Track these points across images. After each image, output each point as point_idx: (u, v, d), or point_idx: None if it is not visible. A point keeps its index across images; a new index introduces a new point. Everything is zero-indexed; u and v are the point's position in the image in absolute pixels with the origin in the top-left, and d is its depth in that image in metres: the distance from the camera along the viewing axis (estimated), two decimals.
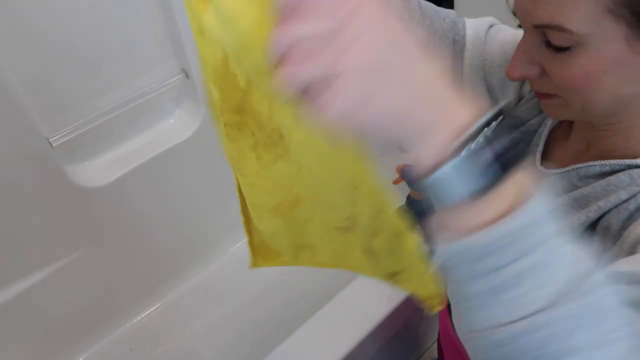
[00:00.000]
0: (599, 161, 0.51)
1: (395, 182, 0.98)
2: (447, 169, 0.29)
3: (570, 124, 0.58)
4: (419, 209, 0.95)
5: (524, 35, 0.48)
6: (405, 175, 0.94)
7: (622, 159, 0.50)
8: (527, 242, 0.30)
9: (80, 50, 1.09)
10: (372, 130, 0.28)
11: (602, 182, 0.50)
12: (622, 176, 0.48)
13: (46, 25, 1.02)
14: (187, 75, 1.28)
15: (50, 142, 1.10)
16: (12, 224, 1.14)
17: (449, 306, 0.41)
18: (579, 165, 0.53)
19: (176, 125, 1.36)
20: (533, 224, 0.30)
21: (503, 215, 0.30)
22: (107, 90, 1.18)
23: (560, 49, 0.44)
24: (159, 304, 1.56)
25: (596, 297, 0.30)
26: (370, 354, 1.05)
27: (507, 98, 0.65)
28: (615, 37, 0.41)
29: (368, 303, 0.99)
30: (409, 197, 0.96)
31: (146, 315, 1.54)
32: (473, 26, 0.64)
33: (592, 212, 0.48)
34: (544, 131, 0.59)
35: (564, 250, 0.31)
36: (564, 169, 0.55)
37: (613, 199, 0.47)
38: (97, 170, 1.25)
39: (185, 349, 1.46)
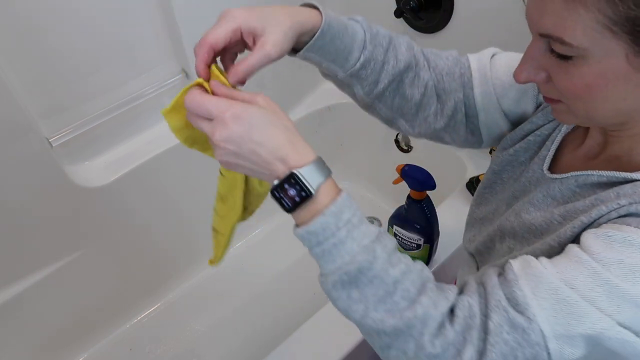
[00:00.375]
0: (597, 171, 0.52)
1: (395, 182, 0.98)
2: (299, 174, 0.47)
3: (586, 129, 0.59)
4: (418, 209, 0.95)
5: (532, 41, 0.49)
6: (405, 175, 0.94)
7: (629, 168, 0.50)
8: (329, 233, 0.48)
9: (80, 50, 1.09)
10: (243, 169, 0.50)
11: (592, 197, 0.50)
12: (610, 192, 0.49)
13: (46, 25, 1.02)
14: (187, 75, 1.28)
15: (50, 142, 1.10)
16: (12, 224, 1.14)
17: None
18: (579, 173, 0.54)
19: None
20: (336, 222, 0.47)
21: (316, 214, 0.48)
22: (107, 90, 1.18)
23: (564, 57, 0.45)
24: (159, 304, 1.56)
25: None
26: (370, 354, 1.05)
27: (527, 109, 0.66)
28: (615, 52, 0.42)
29: None
30: (409, 197, 0.96)
31: (146, 315, 1.54)
32: (476, 58, 0.67)
33: (576, 227, 0.49)
34: (558, 136, 0.60)
35: (357, 234, 0.48)
36: (564, 175, 0.56)
37: (594, 214, 0.48)
38: (97, 170, 1.25)
39: (185, 349, 1.46)
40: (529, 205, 0.58)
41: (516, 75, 0.50)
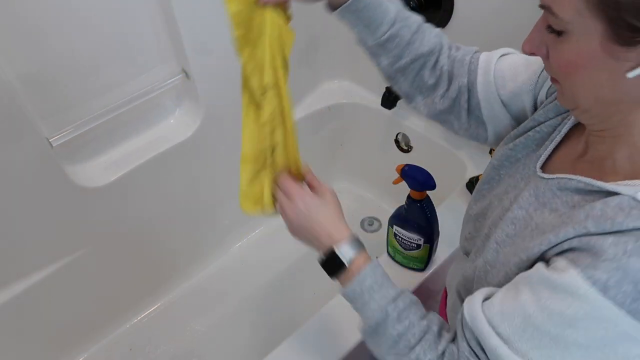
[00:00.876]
0: (577, 176, 0.53)
1: (395, 182, 0.98)
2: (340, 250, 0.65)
3: (584, 131, 0.59)
4: (418, 209, 0.95)
5: (541, 16, 0.51)
6: (405, 175, 0.94)
7: (612, 173, 0.51)
8: (357, 295, 0.64)
9: (80, 50, 1.09)
10: (301, 239, 0.69)
11: (564, 215, 0.51)
12: (581, 213, 0.49)
13: (46, 25, 1.02)
14: (187, 75, 1.28)
15: (50, 142, 1.10)
16: (12, 224, 1.14)
17: (446, 306, 0.54)
18: (562, 175, 0.55)
19: (176, 125, 1.36)
20: (361, 287, 0.63)
21: (347, 282, 0.65)
22: (107, 90, 1.18)
23: (556, 32, 0.47)
24: (159, 304, 1.56)
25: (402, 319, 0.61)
26: (370, 354, 1.05)
27: (525, 104, 0.68)
28: (592, 34, 0.44)
29: None
30: (409, 197, 0.96)
31: (146, 315, 1.54)
32: (487, 53, 0.73)
33: (543, 245, 0.51)
34: (557, 137, 0.61)
35: (382, 293, 0.62)
36: (551, 176, 0.57)
37: (561, 235, 0.49)
38: (97, 170, 1.25)
39: (185, 349, 1.46)
40: (515, 203, 0.60)
41: (523, 45, 0.53)
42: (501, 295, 0.53)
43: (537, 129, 0.64)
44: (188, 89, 1.32)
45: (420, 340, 0.59)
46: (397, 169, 0.95)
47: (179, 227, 1.50)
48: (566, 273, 0.46)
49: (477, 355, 0.54)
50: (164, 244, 1.49)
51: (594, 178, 0.51)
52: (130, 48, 1.17)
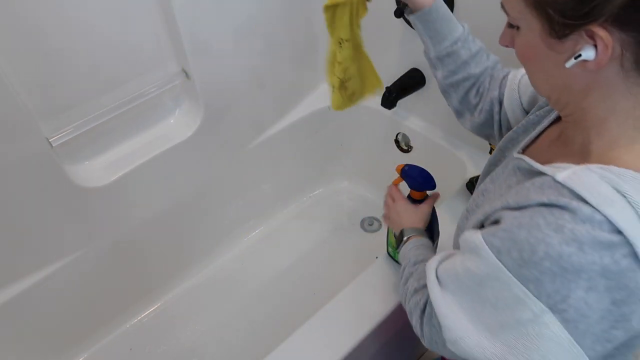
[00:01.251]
0: (525, 158, 0.59)
1: (395, 183, 0.98)
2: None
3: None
4: None
5: None
6: (405, 175, 0.94)
7: (569, 155, 0.55)
8: (403, 255, 0.85)
9: (80, 50, 1.09)
10: (390, 225, 0.97)
11: (508, 190, 0.59)
12: (516, 188, 0.55)
13: (46, 25, 1.02)
14: (187, 75, 1.28)
15: (50, 142, 1.10)
16: (12, 224, 1.14)
17: None
18: (519, 156, 0.61)
19: (176, 125, 1.36)
20: (405, 250, 0.85)
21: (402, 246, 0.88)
22: (107, 90, 1.18)
23: (512, 27, 0.55)
24: (159, 304, 1.56)
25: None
26: (370, 354, 1.05)
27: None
28: (534, 29, 0.50)
29: (368, 303, 0.99)
30: (409, 197, 0.96)
31: (146, 315, 1.54)
32: (516, 70, 0.81)
33: (480, 215, 0.58)
34: (545, 121, 0.66)
35: (416, 252, 0.81)
36: (517, 156, 0.62)
37: (494, 206, 0.56)
38: (97, 170, 1.25)
39: (185, 349, 1.47)
40: (488, 176, 0.68)
41: (499, 40, 0.60)
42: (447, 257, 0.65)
43: (523, 121, 0.71)
44: (188, 89, 1.32)
45: (412, 273, 0.76)
46: (397, 169, 0.95)
47: (179, 227, 1.50)
48: (475, 235, 0.54)
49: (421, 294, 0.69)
50: (163, 243, 1.49)
51: (560, 161, 0.54)
52: (130, 48, 1.17)
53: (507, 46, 0.59)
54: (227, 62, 1.31)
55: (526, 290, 0.49)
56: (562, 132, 0.60)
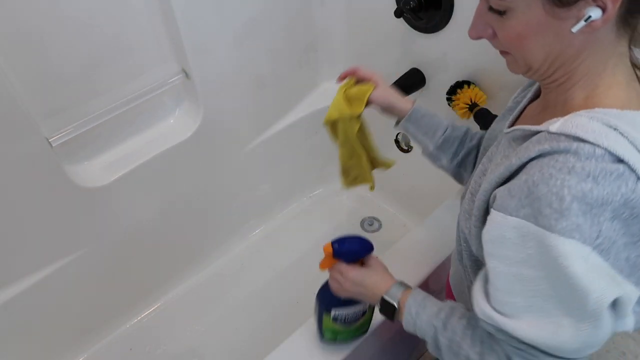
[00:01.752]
0: (520, 126, 0.60)
1: (323, 267, 0.82)
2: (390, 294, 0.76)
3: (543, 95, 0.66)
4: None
5: (479, 2, 0.57)
6: (338, 254, 0.80)
7: (559, 113, 0.56)
8: (411, 324, 0.73)
9: (80, 50, 1.09)
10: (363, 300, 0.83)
11: (505, 157, 0.60)
12: (515, 151, 0.56)
13: (46, 25, 1.02)
14: (187, 75, 1.28)
15: (50, 142, 1.10)
16: (12, 224, 1.14)
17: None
18: (514, 128, 0.62)
19: (176, 125, 1.36)
20: (411, 316, 0.72)
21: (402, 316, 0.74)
22: (107, 90, 1.18)
23: (499, 12, 0.54)
24: (159, 304, 1.56)
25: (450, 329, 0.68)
26: (370, 354, 1.05)
27: None
28: (535, 4, 0.51)
29: None
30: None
31: (146, 315, 1.54)
32: None
33: (487, 184, 0.59)
34: (524, 100, 0.70)
35: (426, 312, 0.71)
36: (508, 130, 0.64)
37: (498, 173, 0.57)
38: (97, 170, 1.25)
39: (185, 349, 1.47)
40: (484, 156, 0.68)
41: (469, 33, 0.59)
42: (486, 281, 0.60)
43: (515, 99, 0.74)
44: (188, 89, 1.32)
45: (463, 337, 0.66)
46: (325, 251, 0.80)
47: (179, 227, 1.50)
48: (503, 221, 0.53)
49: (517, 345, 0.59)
50: (163, 243, 1.49)
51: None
52: (130, 48, 1.17)
53: (478, 38, 0.59)
54: (227, 62, 1.31)
55: (573, 241, 0.48)
56: (543, 102, 0.63)
